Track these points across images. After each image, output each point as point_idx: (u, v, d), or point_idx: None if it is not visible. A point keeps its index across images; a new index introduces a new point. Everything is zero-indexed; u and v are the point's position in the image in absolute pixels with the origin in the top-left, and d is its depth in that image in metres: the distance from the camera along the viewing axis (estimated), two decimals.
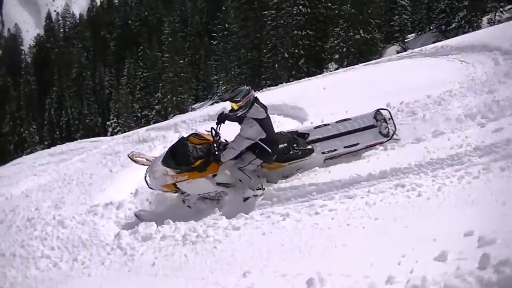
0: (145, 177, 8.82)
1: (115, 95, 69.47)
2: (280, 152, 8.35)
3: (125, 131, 47.22)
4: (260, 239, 5.55)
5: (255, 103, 7.89)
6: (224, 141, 8.60)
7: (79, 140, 30.13)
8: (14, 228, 10.27)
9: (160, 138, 17.65)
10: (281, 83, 31.05)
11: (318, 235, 5.16)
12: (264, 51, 46.50)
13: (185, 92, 63.67)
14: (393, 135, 8.31)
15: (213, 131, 8.28)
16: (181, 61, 64.19)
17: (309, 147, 8.64)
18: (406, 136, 8.35)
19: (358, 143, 8.44)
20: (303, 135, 8.97)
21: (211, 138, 8.32)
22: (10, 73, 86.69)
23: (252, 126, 7.74)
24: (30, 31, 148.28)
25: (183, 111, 53.37)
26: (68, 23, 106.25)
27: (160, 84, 63.26)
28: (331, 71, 34.67)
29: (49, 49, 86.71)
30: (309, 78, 25.47)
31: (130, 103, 66.25)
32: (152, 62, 65.77)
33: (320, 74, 31.52)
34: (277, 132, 8.73)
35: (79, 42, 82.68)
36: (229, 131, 8.31)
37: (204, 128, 14.78)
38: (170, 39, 64.35)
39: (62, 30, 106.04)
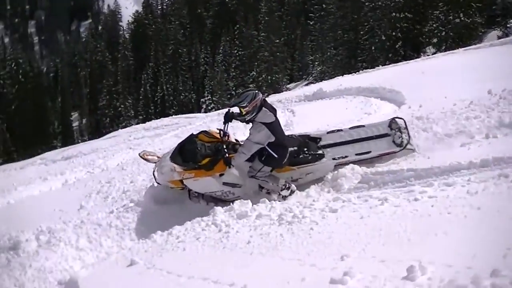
0: (153, 172, 9.01)
1: (210, 73, 70.07)
2: (290, 155, 8.27)
3: (218, 109, 47.70)
4: (358, 222, 5.42)
5: (263, 107, 7.82)
6: (234, 140, 8.77)
7: (173, 116, 30.64)
8: (110, 199, 10.56)
9: None
10: (377, 65, 30.57)
11: (418, 222, 4.99)
12: (361, 32, 45.78)
13: (280, 72, 63.41)
14: (406, 145, 8.10)
15: (221, 131, 8.41)
16: (277, 41, 63.92)
17: (320, 152, 8.55)
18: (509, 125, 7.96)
19: (370, 151, 8.32)
20: (315, 140, 8.89)
21: (220, 137, 8.43)
22: (108, 49, 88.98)
23: (261, 131, 7.70)
24: (129, 8, 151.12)
25: (277, 90, 53.38)
26: (166, 0, 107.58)
27: (255, 63, 63.22)
28: (428, 55, 33.86)
29: (147, 25, 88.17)
30: (406, 61, 24.96)
31: (225, 81, 66.68)
32: (248, 41, 65.89)
33: (417, 58, 30.85)
34: (288, 135, 8.77)
35: (176, 19, 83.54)
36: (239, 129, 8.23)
37: (298, 108, 14.73)
38: (266, 18, 64.16)
39: (159, 7, 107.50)
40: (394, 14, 39.68)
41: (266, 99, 8.28)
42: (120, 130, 31.46)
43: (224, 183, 8.33)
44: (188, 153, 8.42)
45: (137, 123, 48.75)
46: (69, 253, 7.67)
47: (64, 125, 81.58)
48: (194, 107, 70.11)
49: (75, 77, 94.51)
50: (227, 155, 8.05)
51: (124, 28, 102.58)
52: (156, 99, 76.83)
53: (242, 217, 6.87)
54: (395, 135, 8.35)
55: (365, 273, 4.03)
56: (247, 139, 7.88)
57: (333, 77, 32.41)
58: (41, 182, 15.10)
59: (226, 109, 8.76)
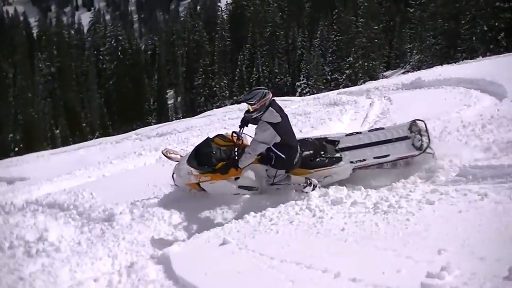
0: (172, 174, 9.07)
1: (307, 56, 69.71)
2: (306, 159, 8.26)
3: (313, 93, 47.47)
4: (456, 216, 5.27)
5: (270, 107, 7.79)
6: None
7: None
8: None
9: (351, 102, 17.52)
10: (477, 56, 29.68)
11: None
12: (462, 22, 44.49)
13: (377, 59, 62.51)
14: (426, 148, 7.81)
15: (236, 135, 8.44)
16: (376, 27, 63.01)
17: (338, 155, 8.45)
18: None
19: (389, 155, 8.09)
20: (333, 142, 8.81)
21: (236, 140, 8.44)
22: (206, 29, 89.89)
23: (266, 130, 7.69)
24: None
25: (373, 77, 52.74)
26: None
27: (352, 49, 62.41)
28: None
29: (245, 7, 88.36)
30: (509, 53, 24.11)
31: (321, 65, 66.27)
32: (346, 26, 65.17)
33: None
34: (303, 139, 8.82)
35: (275, 1, 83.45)
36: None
37: (395, 96, 14.48)
38: (365, 3, 63.21)
39: None
40: (498, 3, 38.37)
41: (275, 99, 8.24)
42: (214, 109, 31.71)
43: (240, 187, 8.42)
44: (204, 157, 8.48)
45: (232, 104, 49.13)
46: (162, 228, 7.87)
47: (159, 102, 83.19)
48: (289, 90, 69.96)
49: (172, 55, 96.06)
50: (236, 158, 8.09)
51: (222, 9, 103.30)
52: (251, 80, 77.12)
53: (337, 204, 6.82)
54: (415, 138, 8.17)
55: (463, 269, 3.91)
56: (253, 139, 7.93)
57: (431, 67, 31.62)
58: (135, 156, 15.45)
59: (244, 112, 8.52)
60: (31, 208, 10.52)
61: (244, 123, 8.32)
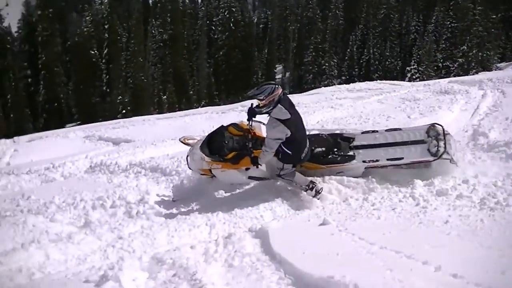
0: (187, 156, 9.23)
1: (419, 42, 68.20)
2: (318, 155, 8.44)
3: (423, 79, 46.48)
4: None
5: (279, 104, 7.69)
6: (264, 135, 8.41)
7: (378, 81, 30.25)
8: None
9: (463, 92, 17.02)
10: None
11: None
12: None
13: (492, 49, 60.31)
14: (441, 155, 7.58)
15: (247, 127, 8.44)
16: (494, 16, 60.81)
17: (351, 153, 8.48)
18: None
19: (403, 158, 8.00)
20: (348, 139, 8.76)
21: (250, 130, 8.45)
22: (319, 6, 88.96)
23: (276, 127, 7.64)
24: None
25: (486, 68, 51.04)
26: None
27: (467, 37, 60.58)
28: None
29: None
30: None
31: (433, 52, 64.65)
32: (463, 13, 63.01)
33: None
34: (317, 134, 9.13)
35: None
36: None
37: (510, 90, 13.93)
38: None
39: None
40: None
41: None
42: (322, 88, 31.49)
43: (250, 177, 8.52)
44: (216, 145, 8.52)
45: (339, 83, 48.75)
46: (261, 203, 7.84)
47: (267, 76, 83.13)
48: (398, 75, 68.80)
49: (283, 30, 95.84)
50: (253, 154, 8.08)
51: None
52: (361, 61, 76.32)
53: (442, 195, 6.63)
54: (431, 143, 7.93)
55: None
56: (266, 137, 7.87)
57: None
58: None
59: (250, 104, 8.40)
60: (134, 170, 10.78)
61: (251, 115, 8.23)
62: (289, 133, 7.66)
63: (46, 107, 66.86)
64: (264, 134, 8.39)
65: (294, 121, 7.84)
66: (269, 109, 7.72)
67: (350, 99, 19.50)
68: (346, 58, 78.03)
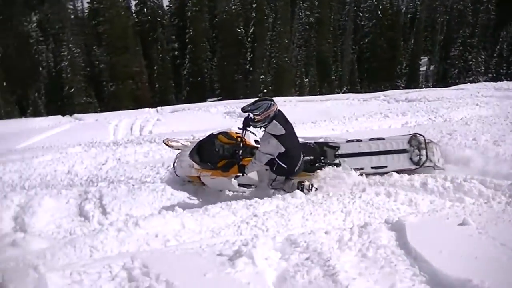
0: (174, 163, 9.52)
1: None
2: (306, 163, 8.59)
3: None
4: None
5: (274, 119, 7.98)
6: (254, 143, 8.94)
7: None
8: None
9: None
10: None
11: None
12: None
13: None
14: (423, 164, 8.27)
15: (238, 139, 8.61)
16: None
17: (336, 161, 8.75)
18: None
19: (387, 166, 8.50)
20: (333, 148, 9.03)
21: (239, 139, 8.63)
22: None
23: (270, 142, 7.93)
24: None
25: None
26: None
27: None
28: None
29: None
30: None
31: None
32: None
33: None
34: (305, 144, 9.05)
35: None
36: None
37: None
38: None
39: None
40: None
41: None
42: (468, 84, 30.46)
43: (240, 185, 8.74)
44: (206, 154, 8.76)
45: (485, 81, 46.92)
46: (399, 196, 7.72)
47: (411, 67, 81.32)
48: None
49: (431, 21, 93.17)
50: (241, 162, 8.34)
51: None
52: (511, 59, 73.10)
53: None
54: (413, 152, 8.51)
55: None
56: (258, 150, 8.21)
57: None
58: (381, 117, 15.41)
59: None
60: None
61: (245, 125, 8.55)
62: (282, 149, 7.99)
63: (190, 80, 68.77)
64: (253, 143, 8.96)
65: (289, 137, 8.13)
66: (264, 124, 8.05)
67: (496, 98, 18.70)
68: (495, 55, 74.82)
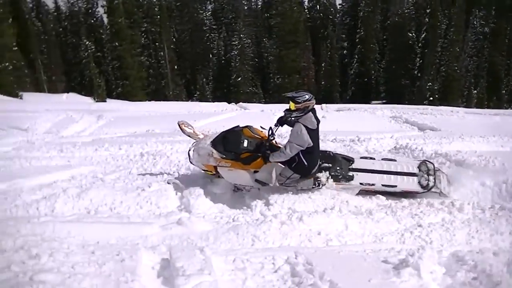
0: (189, 150, 9.32)
1: None
2: (323, 169, 8.64)
3: None
4: None
5: (310, 112, 8.08)
6: (275, 143, 8.88)
7: None
8: None
9: None
10: None
11: None
12: None
13: None
14: (431, 188, 8.43)
15: (270, 130, 8.61)
16: None
17: (350, 173, 8.79)
18: None
19: (396, 186, 8.59)
20: (348, 161, 9.05)
21: (263, 135, 8.81)
22: None
23: (301, 133, 7.92)
24: None
25: None
26: None
27: None
28: None
29: None
30: None
31: None
32: None
33: None
34: (325, 151, 9.13)
35: None
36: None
37: None
38: None
39: None
40: None
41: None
42: None
43: (256, 180, 8.70)
44: (232, 144, 8.71)
45: None
46: None
47: None
48: None
49: None
50: (268, 152, 8.40)
51: None
52: None
53: None
54: (422, 177, 8.65)
55: None
56: (288, 141, 8.12)
57: None
58: None
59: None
60: (438, 160, 10.50)
61: (280, 122, 8.62)
62: (310, 143, 8.01)
63: (356, 80, 68.71)
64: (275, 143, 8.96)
65: (316, 135, 8.28)
66: (300, 114, 8.08)
67: None
68: None
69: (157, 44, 69.88)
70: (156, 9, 71.01)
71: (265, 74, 68.38)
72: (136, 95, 59.12)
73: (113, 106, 29.26)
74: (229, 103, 29.16)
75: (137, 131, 16.70)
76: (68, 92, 53.26)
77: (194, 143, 9.48)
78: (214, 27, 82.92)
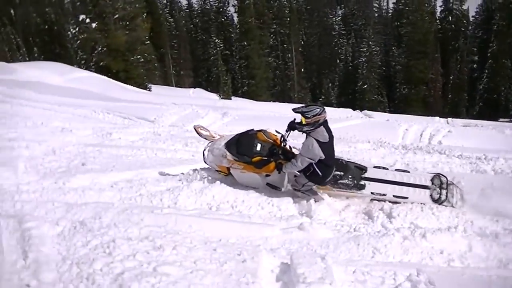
0: (204, 150, 9.43)
1: None
2: (334, 177, 8.62)
3: None
4: None
5: (322, 126, 8.03)
6: (288, 147, 8.96)
7: None
8: None
9: None
10: None
11: None
12: None
13: None
14: (442, 202, 8.32)
15: (282, 137, 8.67)
16: None
17: (362, 182, 8.78)
18: None
19: (408, 197, 8.48)
20: (361, 170, 9.02)
21: (277, 140, 8.87)
22: None
23: (312, 146, 7.92)
24: None
25: None
26: None
27: None
28: None
29: None
30: None
31: None
32: None
33: None
34: (338, 159, 8.88)
35: None
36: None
37: None
38: None
39: None
40: None
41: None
42: None
43: (268, 184, 8.85)
44: (245, 147, 8.78)
45: None
46: None
47: None
48: None
49: None
50: (280, 160, 8.49)
51: None
52: None
53: None
54: (434, 190, 8.55)
55: None
56: (299, 153, 8.21)
57: None
58: None
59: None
60: None
61: (290, 128, 8.54)
62: (323, 156, 8.00)
63: (484, 96, 66.42)
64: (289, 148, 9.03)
65: (329, 146, 8.21)
66: (310, 128, 8.00)
67: None
68: None
69: (285, 46, 70.76)
70: (286, 11, 71.90)
71: (391, 83, 67.58)
72: (261, 95, 60.11)
73: (238, 104, 29.78)
74: (354, 109, 28.94)
75: None
76: (194, 88, 54.84)
77: (210, 144, 9.67)
78: (343, 32, 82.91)
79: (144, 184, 9.04)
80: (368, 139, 15.26)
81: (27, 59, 60.40)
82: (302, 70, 72.18)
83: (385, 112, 44.72)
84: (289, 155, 8.77)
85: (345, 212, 8.47)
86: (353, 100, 62.26)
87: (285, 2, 73.38)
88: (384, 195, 8.66)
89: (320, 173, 8.23)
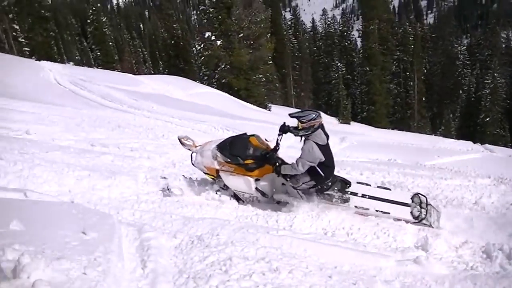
0: (192, 152, 9.54)
1: None
2: (321, 188, 8.67)
3: None
4: None
5: (319, 129, 8.22)
6: (278, 155, 9.00)
7: None
8: None
9: None
10: None
11: None
12: None
13: None
14: (422, 220, 8.34)
15: (276, 142, 8.82)
16: None
17: (347, 196, 8.78)
18: None
19: (390, 213, 8.51)
20: (346, 183, 9.06)
21: (269, 146, 9.12)
22: None
23: (312, 149, 8.12)
24: None
25: None
26: None
27: None
28: None
29: None
30: None
31: None
32: None
33: None
34: None
35: None
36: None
37: None
38: None
39: None
40: None
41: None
42: None
43: (257, 189, 8.90)
44: (237, 148, 8.88)
45: None
46: None
47: None
48: None
49: None
50: (277, 164, 8.62)
51: None
52: None
53: None
54: (414, 207, 8.61)
55: None
56: (300, 157, 8.24)
57: None
58: None
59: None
60: None
61: (283, 131, 8.77)
62: (323, 158, 8.21)
63: None
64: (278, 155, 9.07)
65: (327, 150, 8.43)
66: (306, 133, 8.22)
67: None
68: None
69: (407, 73, 70.08)
70: (410, 38, 71.10)
71: None
72: (380, 121, 59.81)
73: (356, 130, 29.83)
74: (474, 142, 28.36)
75: (379, 158, 16.88)
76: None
77: (199, 147, 9.70)
78: (467, 62, 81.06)
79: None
80: (489, 174, 14.96)
81: (152, 72, 62.94)
82: (423, 99, 71.09)
83: (507, 147, 43.40)
84: (278, 161, 8.90)
85: (462, 248, 7.95)
86: (474, 132, 60.59)
87: (410, 29, 72.71)
88: (367, 209, 8.75)
89: (323, 174, 8.46)
